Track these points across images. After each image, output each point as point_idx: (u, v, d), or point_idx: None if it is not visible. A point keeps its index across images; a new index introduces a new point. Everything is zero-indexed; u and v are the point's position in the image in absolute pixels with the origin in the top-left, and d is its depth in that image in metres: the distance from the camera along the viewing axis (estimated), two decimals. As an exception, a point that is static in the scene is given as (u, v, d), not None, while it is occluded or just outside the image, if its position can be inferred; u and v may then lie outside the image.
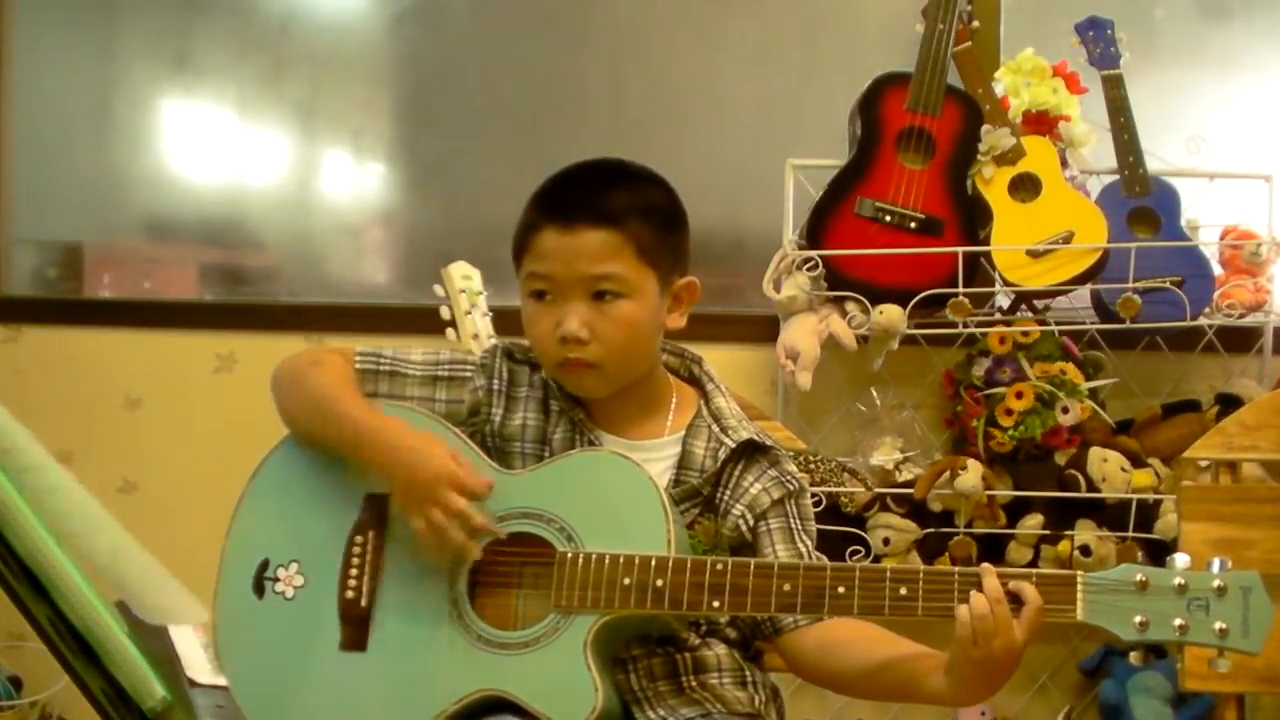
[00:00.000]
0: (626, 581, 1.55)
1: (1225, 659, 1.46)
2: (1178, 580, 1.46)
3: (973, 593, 1.48)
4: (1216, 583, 1.45)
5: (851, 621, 1.60)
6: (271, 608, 1.67)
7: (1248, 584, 1.45)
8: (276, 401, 1.74)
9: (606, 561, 1.56)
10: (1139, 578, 1.46)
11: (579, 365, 1.66)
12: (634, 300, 1.65)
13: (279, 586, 1.68)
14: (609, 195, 1.66)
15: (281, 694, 1.63)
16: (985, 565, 1.51)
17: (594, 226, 1.63)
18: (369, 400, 1.70)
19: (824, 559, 1.70)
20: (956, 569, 1.53)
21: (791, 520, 1.71)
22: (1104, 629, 1.47)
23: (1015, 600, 1.49)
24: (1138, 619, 1.46)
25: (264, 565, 1.69)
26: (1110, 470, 2.68)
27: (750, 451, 1.72)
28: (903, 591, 1.51)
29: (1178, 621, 1.45)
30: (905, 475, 2.79)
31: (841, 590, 1.52)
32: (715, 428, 1.72)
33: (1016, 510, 2.74)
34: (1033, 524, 2.70)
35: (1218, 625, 1.44)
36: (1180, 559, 1.48)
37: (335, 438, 1.68)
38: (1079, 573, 1.50)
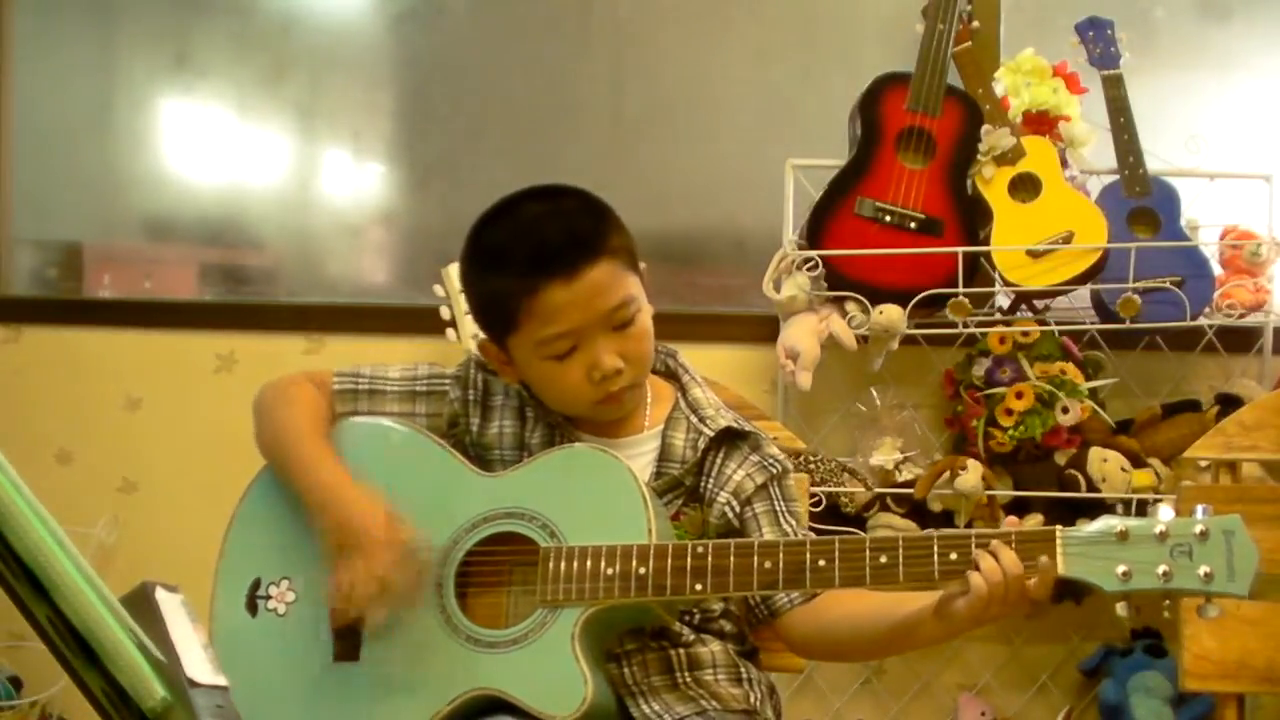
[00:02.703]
0: (610, 571, 1.56)
1: (1214, 605, 1.45)
2: (1159, 528, 1.44)
3: (984, 556, 1.48)
4: (1199, 528, 1.44)
5: (842, 591, 1.60)
6: (265, 625, 1.68)
7: (1230, 527, 1.44)
8: (254, 430, 1.76)
9: (589, 554, 1.57)
10: (1119, 528, 1.45)
11: (621, 394, 1.66)
12: (642, 310, 1.66)
13: (271, 603, 1.69)
14: (579, 225, 1.63)
15: (280, 710, 1.64)
16: (996, 543, 1.48)
17: (594, 262, 1.61)
18: (327, 443, 1.69)
19: (813, 536, 1.70)
20: (936, 533, 1.53)
21: (776, 503, 1.72)
22: (1087, 581, 1.46)
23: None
24: (1120, 569, 1.44)
25: (256, 584, 1.70)
26: (1110, 470, 2.68)
27: (730, 438, 1.72)
28: (883, 560, 1.51)
29: (1161, 569, 1.43)
30: (905, 475, 2.79)
31: (822, 563, 1.53)
32: (693, 418, 1.73)
33: (1016, 510, 2.73)
34: (1033, 524, 2.70)
35: (1202, 570, 1.42)
36: (1163, 509, 1.46)
37: (288, 482, 1.69)
38: (1058, 528, 1.49)
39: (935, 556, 1.50)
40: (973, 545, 1.49)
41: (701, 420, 1.72)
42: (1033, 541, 1.48)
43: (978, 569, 1.48)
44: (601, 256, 1.61)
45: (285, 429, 1.71)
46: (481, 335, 1.72)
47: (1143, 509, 2.67)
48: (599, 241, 1.62)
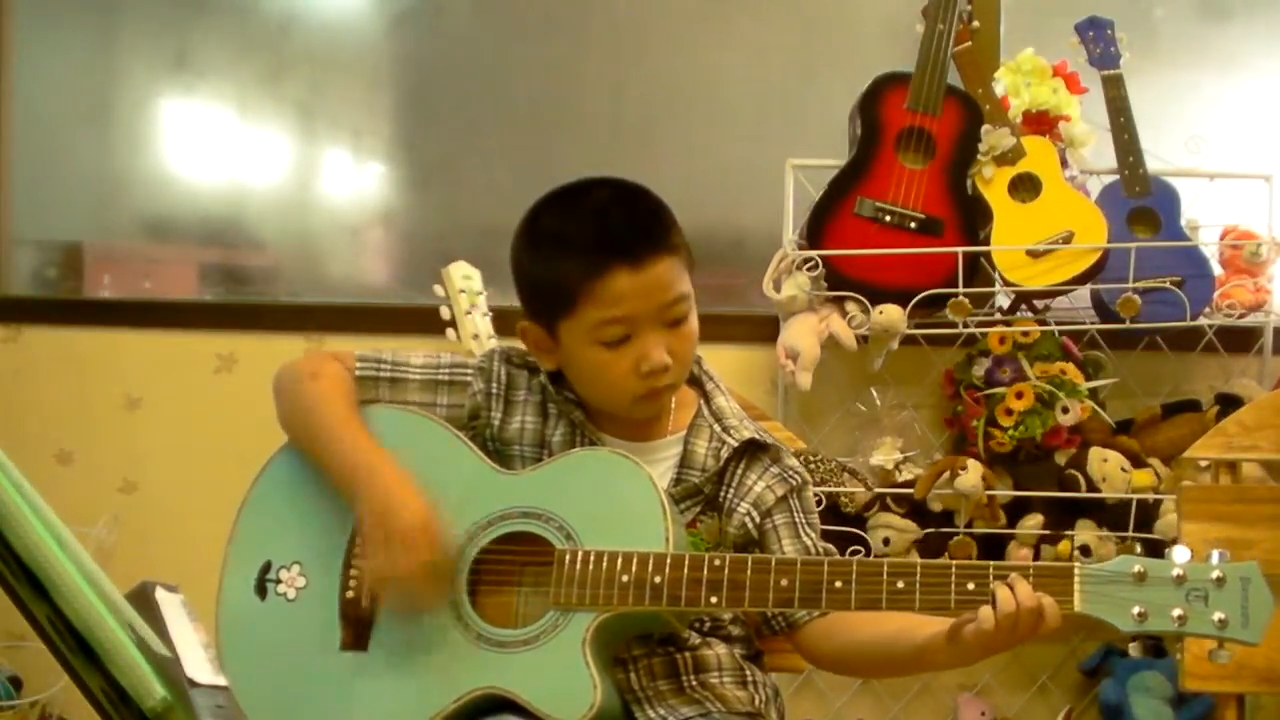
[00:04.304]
0: (625, 579, 1.55)
1: (1226, 650, 1.46)
2: (1176, 571, 1.46)
3: (1000, 588, 1.47)
4: (1215, 573, 1.45)
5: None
6: (274, 609, 1.67)
7: (1246, 574, 1.45)
8: (276, 407, 1.74)
9: (605, 559, 1.56)
10: (1137, 569, 1.46)
11: (662, 391, 1.66)
12: (693, 312, 1.67)
13: (281, 588, 1.68)
14: (652, 219, 1.65)
15: (284, 694, 1.64)
16: (1014, 576, 1.49)
17: (660, 255, 1.62)
18: (362, 423, 1.68)
19: (832, 549, 1.72)
20: (954, 562, 1.53)
21: (796, 515, 1.71)
22: (1102, 620, 1.47)
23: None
24: (1136, 610, 1.45)
25: (266, 567, 1.69)
26: (1110, 470, 2.68)
27: (752, 450, 1.72)
28: (900, 585, 1.51)
29: (1176, 612, 1.45)
30: (905, 475, 2.79)
31: (839, 585, 1.53)
32: (717, 427, 1.73)
33: (1016, 510, 2.74)
34: (1033, 524, 2.70)
35: (1217, 616, 1.44)
36: (1179, 551, 1.47)
37: (322, 459, 1.68)
38: (1076, 564, 1.50)
39: (953, 585, 1.50)
40: (991, 576, 1.50)
41: (725, 430, 1.72)
42: (1050, 576, 1.49)
43: (994, 600, 1.47)
44: (666, 250, 1.63)
45: (318, 404, 1.69)
46: (524, 321, 1.69)
47: (1143, 509, 2.67)
48: (665, 235, 1.64)
